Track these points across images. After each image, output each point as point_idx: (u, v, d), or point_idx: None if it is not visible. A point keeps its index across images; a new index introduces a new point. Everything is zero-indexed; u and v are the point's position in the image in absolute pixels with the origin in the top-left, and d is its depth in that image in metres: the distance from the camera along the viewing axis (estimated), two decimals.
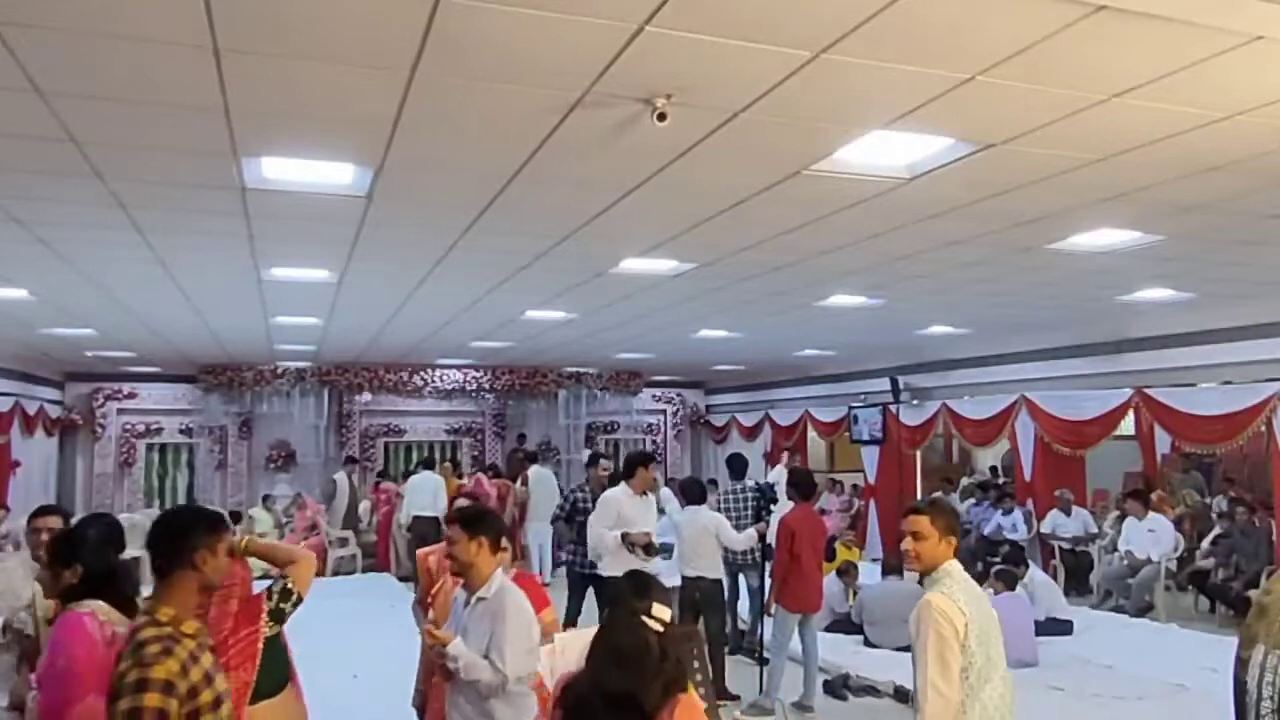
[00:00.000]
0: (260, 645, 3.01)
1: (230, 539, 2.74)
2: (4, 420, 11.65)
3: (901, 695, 6.25)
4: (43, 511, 4.28)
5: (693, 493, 7.06)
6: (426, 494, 11.39)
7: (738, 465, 8.40)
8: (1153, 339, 9.25)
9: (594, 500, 7.54)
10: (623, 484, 6.61)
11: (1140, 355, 9.44)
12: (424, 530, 10.76)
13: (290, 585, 3.15)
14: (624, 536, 6.29)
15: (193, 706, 2.30)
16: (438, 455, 16.01)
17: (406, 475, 13.56)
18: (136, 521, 12.68)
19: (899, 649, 6.88)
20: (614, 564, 6.15)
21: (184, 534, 2.54)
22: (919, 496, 13.43)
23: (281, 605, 3.11)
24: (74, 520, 4.35)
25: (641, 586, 2.63)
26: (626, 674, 2.38)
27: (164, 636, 2.33)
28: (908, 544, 3.17)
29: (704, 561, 6.63)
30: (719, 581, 6.78)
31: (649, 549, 6.31)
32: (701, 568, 6.62)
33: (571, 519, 7.91)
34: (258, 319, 9.29)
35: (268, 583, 3.19)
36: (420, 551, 4.78)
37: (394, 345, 12.09)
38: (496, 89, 3.27)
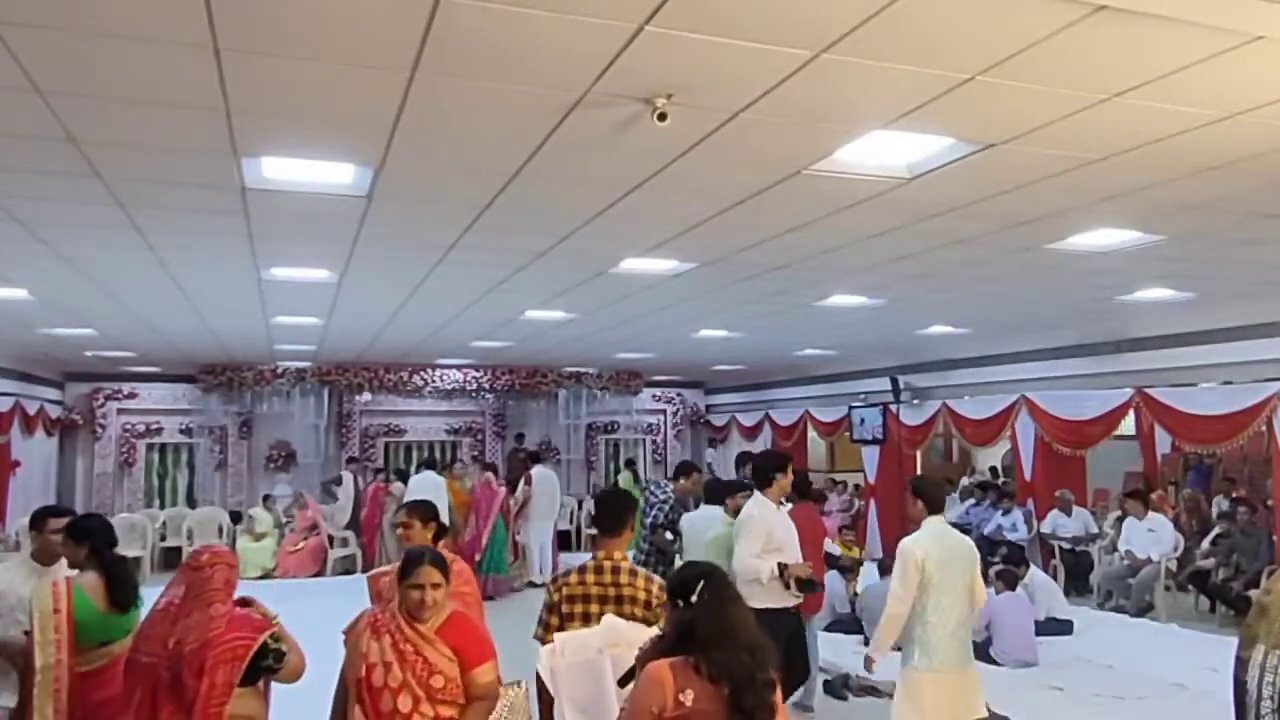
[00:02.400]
0: (246, 659, 3.13)
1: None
2: (4, 420, 11.65)
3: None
4: (53, 513, 4.27)
5: (712, 494, 6.98)
6: (427, 495, 11.35)
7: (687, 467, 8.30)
8: (1153, 339, 9.25)
9: (674, 513, 7.23)
10: (757, 495, 5.56)
11: (1140, 355, 9.44)
12: None
13: (284, 650, 3.25)
14: (781, 569, 5.24)
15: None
16: (438, 455, 16.01)
17: (401, 475, 13.57)
18: (136, 521, 12.76)
19: (899, 649, 6.86)
20: (767, 598, 5.09)
21: (629, 510, 3.89)
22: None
23: (270, 664, 3.22)
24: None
25: (718, 573, 2.79)
26: (750, 642, 2.55)
27: (591, 567, 3.62)
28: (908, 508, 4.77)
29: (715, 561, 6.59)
30: None
31: (809, 585, 5.37)
32: (710, 568, 6.56)
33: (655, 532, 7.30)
34: (258, 319, 9.29)
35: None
36: (372, 573, 4.51)
37: (394, 345, 12.09)
38: (496, 89, 3.27)
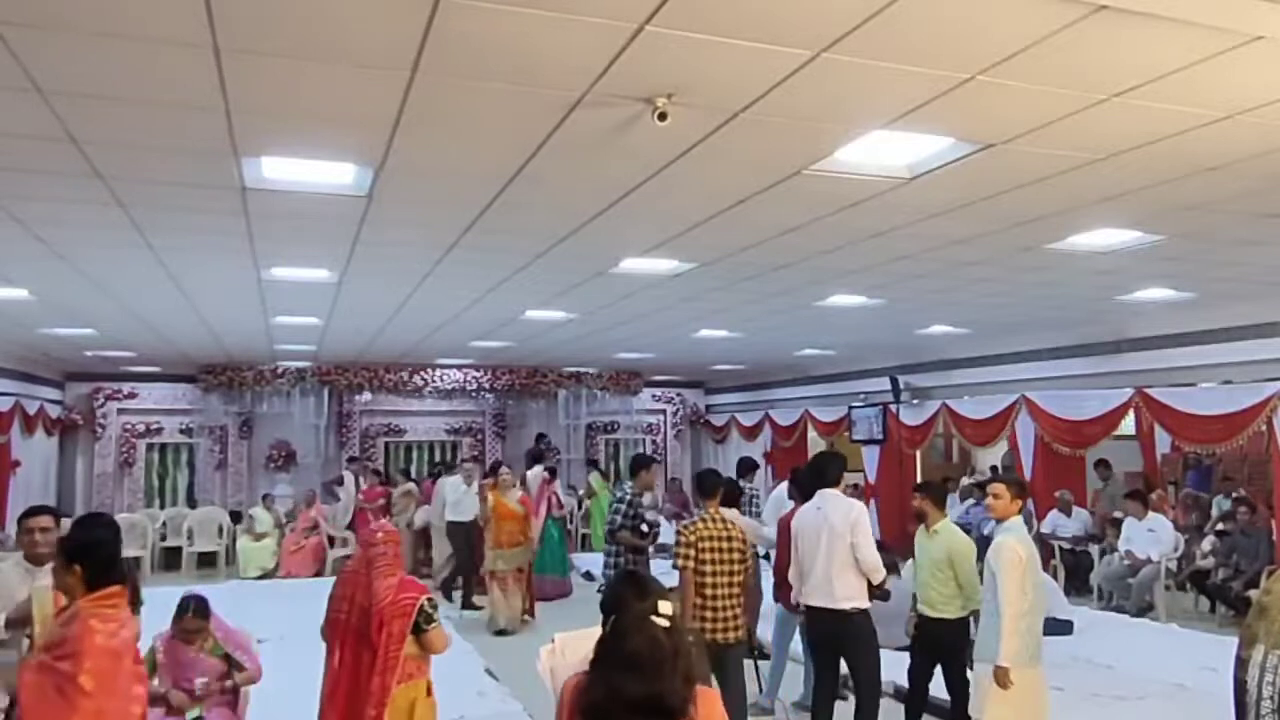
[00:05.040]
0: (414, 613, 3.87)
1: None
2: (4, 420, 11.64)
3: (900, 695, 6.24)
4: (33, 512, 4.28)
5: (727, 495, 6.95)
6: (462, 503, 10.68)
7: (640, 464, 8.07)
8: (1153, 339, 9.25)
9: (631, 510, 7.22)
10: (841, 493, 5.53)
11: (1140, 355, 9.44)
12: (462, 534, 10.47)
13: (434, 615, 3.96)
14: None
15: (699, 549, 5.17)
16: (438, 455, 16.01)
17: (406, 475, 13.50)
18: (136, 521, 12.75)
19: (899, 649, 6.86)
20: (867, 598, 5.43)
21: (718, 481, 5.73)
22: (917, 498, 13.41)
23: (421, 622, 3.90)
24: (69, 520, 4.37)
25: (641, 587, 2.51)
26: (645, 677, 2.30)
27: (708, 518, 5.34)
28: (990, 501, 5.00)
29: None
30: None
31: (882, 594, 5.44)
32: None
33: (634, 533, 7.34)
34: (258, 319, 9.29)
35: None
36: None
37: (394, 345, 12.09)
38: (496, 89, 3.27)
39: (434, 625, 3.93)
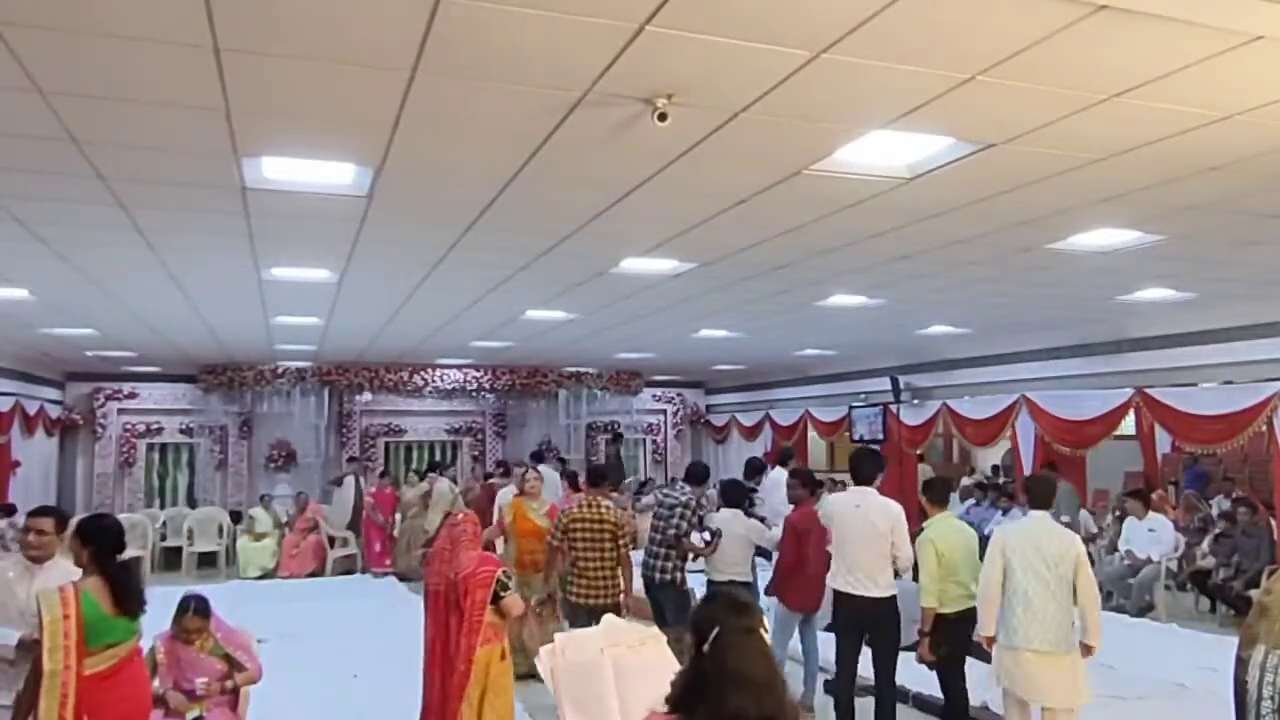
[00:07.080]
0: (493, 583, 4.47)
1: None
2: (4, 420, 11.64)
3: (901, 695, 6.24)
4: (37, 513, 4.28)
5: (732, 495, 6.86)
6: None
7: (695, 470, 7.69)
8: (1153, 339, 9.26)
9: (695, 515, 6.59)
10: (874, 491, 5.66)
11: (1140, 355, 9.45)
12: None
13: (510, 584, 4.56)
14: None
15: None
16: (438, 455, 15.99)
17: (420, 475, 13.46)
18: (136, 521, 12.74)
19: (899, 649, 6.87)
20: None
21: (606, 474, 6.92)
22: (920, 496, 13.43)
23: (499, 591, 4.49)
24: (73, 521, 4.38)
25: (737, 603, 2.31)
26: (760, 696, 2.06)
27: (585, 504, 6.26)
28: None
29: (739, 567, 6.55)
30: (750, 584, 6.76)
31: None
32: (734, 572, 6.49)
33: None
34: (258, 319, 9.30)
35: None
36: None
37: (394, 345, 12.09)
38: (496, 89, 3.27)
39: (509, 592, 4.53)
